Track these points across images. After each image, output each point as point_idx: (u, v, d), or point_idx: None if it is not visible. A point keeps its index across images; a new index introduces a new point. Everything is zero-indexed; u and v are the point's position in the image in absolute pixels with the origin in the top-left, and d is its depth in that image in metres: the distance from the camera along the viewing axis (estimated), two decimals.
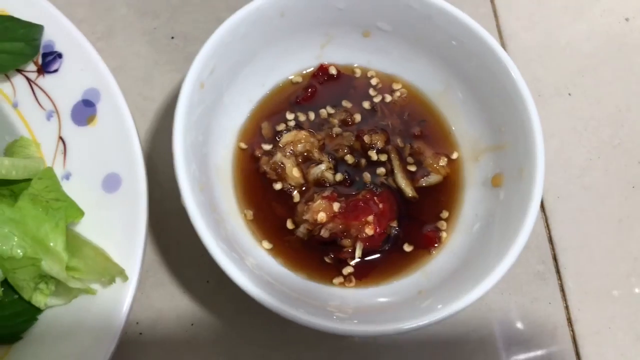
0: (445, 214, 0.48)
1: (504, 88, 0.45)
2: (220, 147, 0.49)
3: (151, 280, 0.49)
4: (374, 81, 0.53)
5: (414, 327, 0.39)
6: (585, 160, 0.56)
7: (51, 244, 0.41)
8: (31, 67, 0.48)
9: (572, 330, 0.50)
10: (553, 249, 0.53)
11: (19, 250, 0.41)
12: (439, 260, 0.46)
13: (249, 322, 0.48)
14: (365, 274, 0.46)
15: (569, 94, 0.59)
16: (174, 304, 0.49)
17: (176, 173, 0.41)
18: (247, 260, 0.43)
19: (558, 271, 0.52)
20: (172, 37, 0.58)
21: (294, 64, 0.52)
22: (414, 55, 0.51)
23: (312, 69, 0.52)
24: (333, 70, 0.52)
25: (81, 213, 0.43)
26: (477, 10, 0.61)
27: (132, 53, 0.57)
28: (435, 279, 0.45)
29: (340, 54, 0.52)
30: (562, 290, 0.51)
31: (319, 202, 0.46)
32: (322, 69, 0.52)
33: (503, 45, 0.60)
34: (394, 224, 0.47)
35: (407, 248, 0.47)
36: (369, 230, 0.45)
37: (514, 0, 0.62)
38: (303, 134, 0.49)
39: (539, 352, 0.49)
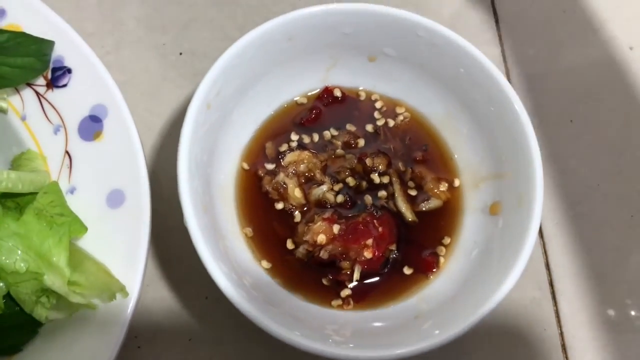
0: (444, 239, 0.48)
1: (507, 119, 0.46)
2: (224, 166, 0.49)
3: (151, 294, 0.50)
4: (378, 104, 0.53)
5: (410, 353, 0.39)
6: (585, 188, 0.56)
7: (54, 259, 0.42)
8: (41, 81, 0.49)
9: (566, 357, 0.50)
10: (550, 275, 0.53)
11: (22, 264, 0.41)
12: (437, 285, 0.47)
13: (245, 339, 0.49)
14: (363, 296, 0.46)
15: (571, 121, 0.59)
16: (173, 319, 0.49)
17: (180, 195, 0.41)
18: (246, 280, 0.44)
19: (554, 297, 0.52)
20: (181, 53, 0.59)
21: (299, 86, 0.52)
22: (418, 80, 0.51)
23: (317, 90, 0.53)
24: (338, 93, 0.53)
25: (84, 229, 0.44)
26: (482, 36, 0.62)
27: (140, 68, 0.58)
28: (432, 304, 0.45)
29: (346, 77, 0.53)
30: (558, 316, 0.52)
31: (319, 224, 0.46)
32: (327, 91, 0.53)
33: (507, 70, 0.60)
34: (393, 247, 0.47)
35: (407, 271, 0.47)
36: (367, 254, 0.46)
37: (519, 27, 0.63)
38: (306, 154, 0.50)
39: None
